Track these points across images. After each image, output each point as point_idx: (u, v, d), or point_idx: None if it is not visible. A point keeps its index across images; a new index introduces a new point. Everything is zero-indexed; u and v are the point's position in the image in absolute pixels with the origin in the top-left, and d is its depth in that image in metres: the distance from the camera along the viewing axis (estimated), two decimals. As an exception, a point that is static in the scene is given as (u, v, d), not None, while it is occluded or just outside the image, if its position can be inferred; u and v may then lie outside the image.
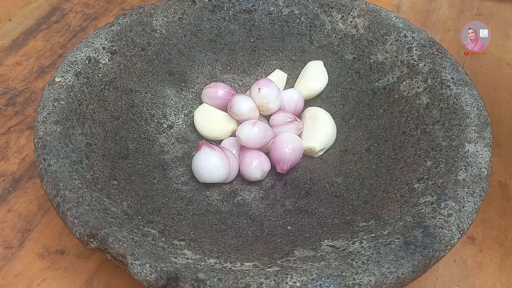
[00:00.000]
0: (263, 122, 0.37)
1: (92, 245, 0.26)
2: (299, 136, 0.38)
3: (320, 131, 0.37)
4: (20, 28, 0.51)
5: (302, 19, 0.42)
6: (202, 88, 0.40)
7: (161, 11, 0.40)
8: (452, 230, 0.26)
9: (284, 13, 0.42)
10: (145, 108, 0.37)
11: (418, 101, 0.35)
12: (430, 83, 0.35)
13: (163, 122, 0.38)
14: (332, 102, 0.41)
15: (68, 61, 0.34)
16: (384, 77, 0.38)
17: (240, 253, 0.28)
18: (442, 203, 0.27)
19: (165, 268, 0.24)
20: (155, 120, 0.38)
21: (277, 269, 0.25)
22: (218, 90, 0.39)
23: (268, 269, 0.25)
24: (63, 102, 0.32)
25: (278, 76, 0.42)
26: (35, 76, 0.46)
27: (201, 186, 0.35)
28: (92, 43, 0.36)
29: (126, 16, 0.38)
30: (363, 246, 0.26)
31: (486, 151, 0.30)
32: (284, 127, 0.37)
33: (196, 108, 0.40)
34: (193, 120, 0.39)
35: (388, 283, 0.24)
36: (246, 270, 0.25)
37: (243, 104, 0.37)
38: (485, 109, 0.32)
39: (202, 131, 0.38)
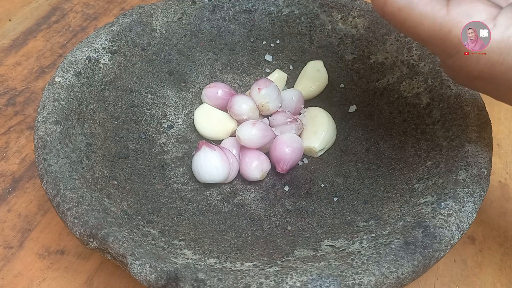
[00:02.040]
0: (263, 122, 0.37)
1: (92, 245, 0.26)
2: (299, 136, 0.38)
3: (320, 131, 0.37)
4: (20, 28, 0.51)
5: (302, 19, 0.42)
6: (202, 88, 0.40)
7: (161, 11, 0.40)
8: (452, 230, 0.26)
9: (284, 13, 0.42)
10: (145, 108, 0.37)
11: (418, 101, 0.35)
12: (430, 83, 0.35)
13: (163, 122, 0.38)
14: (332, 102, 0.41)
15: (68, 61, 0.34)
16: (384, 77, 0.38)
17: (240, 253, 0.28)
18: (442, 203, 0.27)
19: (165, 268, 0.24)
20: (155, 120, 0.38)
21: (277, 269, 0.25)
22: (218, 90, 0.39)
23: (268, 269, 0.25)
24: (63, 102, 0.32)
25: (278, 76, 0.42)
26: (35, 76, 0.46)
27: (201, 186, 0.35)
28: (92, 43, 0.36)
29: (126, 16, 0.38)
30: (363, 246, 0.26)
31: (486, 151, 0.29)
32: (284, 127, 0.37)
33: (196, 108, 0.40)
34: (193, 120, 0.39)
35: (388, 283, 0.24)
36: (246, 270, 0.25)
37: (243, 104, 0.37)
38: (485, 109, 0.32)
39: (202, 131, 0.38)
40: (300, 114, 0.40)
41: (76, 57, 0.34)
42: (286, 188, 0.36)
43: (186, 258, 0.26)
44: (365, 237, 0.27)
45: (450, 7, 0.23)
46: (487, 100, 0.32)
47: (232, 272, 0.24)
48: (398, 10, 0.24)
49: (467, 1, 0.23)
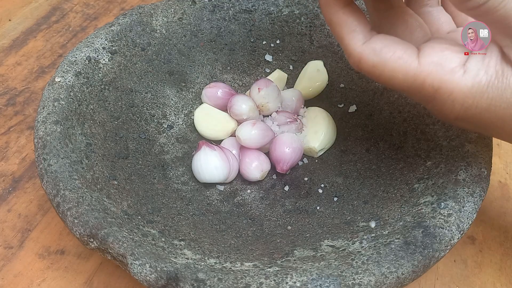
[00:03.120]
0: (263, 122, 0.37)
1: (92, 245, 0.26)
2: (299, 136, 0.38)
3: (320, 131, 0.37)
4: (20, 28, 0.51)
5: (302, 19, 0.42)
6: (202, 88, 0.40)
7: (161, 11, 0.40)
8: (452, 230, 0.26)
9: (284, 13, 0.42)
10: (145, 108, 0.37)
11: (418, 101, 0.35)
12: (430, 83, 0.35)
13: (163, 122, 0.38)
14: (332, 102, 0.41)
15: (68, 61, 0.34)
16: (384, 77, 0.38)
17: (240, 253, 0.28)
18: (442, 203, 0.27)
19: (165, 268, 0.24)
20: (155, 120, 0.38)
21: (277, 269, 0.25)
22: (218, 90, 0.39)
23: (268, 269, 0.25)
24: (63, 102, 0.32)
25: (278, 76, 0.42)
26: (35, 76, 0.46)
27: (201, 186, 0.35)
28: (92, 43, 0.36)
29: (126, 16, 0.38)
30: (363, 246, 0.26)
31: (486, 151, 0.30)
32: (284, 127, 0.37)
33: (196, 108, 0.40)
34: (193, 120, 0.39)
35: (388, 283, 0.24)
36: (246, 270, 0.25)
37: (243, 104, 0.37)
38: (485, 109, 0.32)
39: (202, 131, 0.38)
40: (300, 114, 0.40)
41: (76, 57, 0.34)
42: (286, 188, 0.36)
43: (186, 258, 0.26)
44: (365, 237, 0.27)
45: (421, 58, 0.23)
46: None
47: (232, 272, 0.24)
48: (372, 67, 0.24)
49: (436, 50, 0.23)
